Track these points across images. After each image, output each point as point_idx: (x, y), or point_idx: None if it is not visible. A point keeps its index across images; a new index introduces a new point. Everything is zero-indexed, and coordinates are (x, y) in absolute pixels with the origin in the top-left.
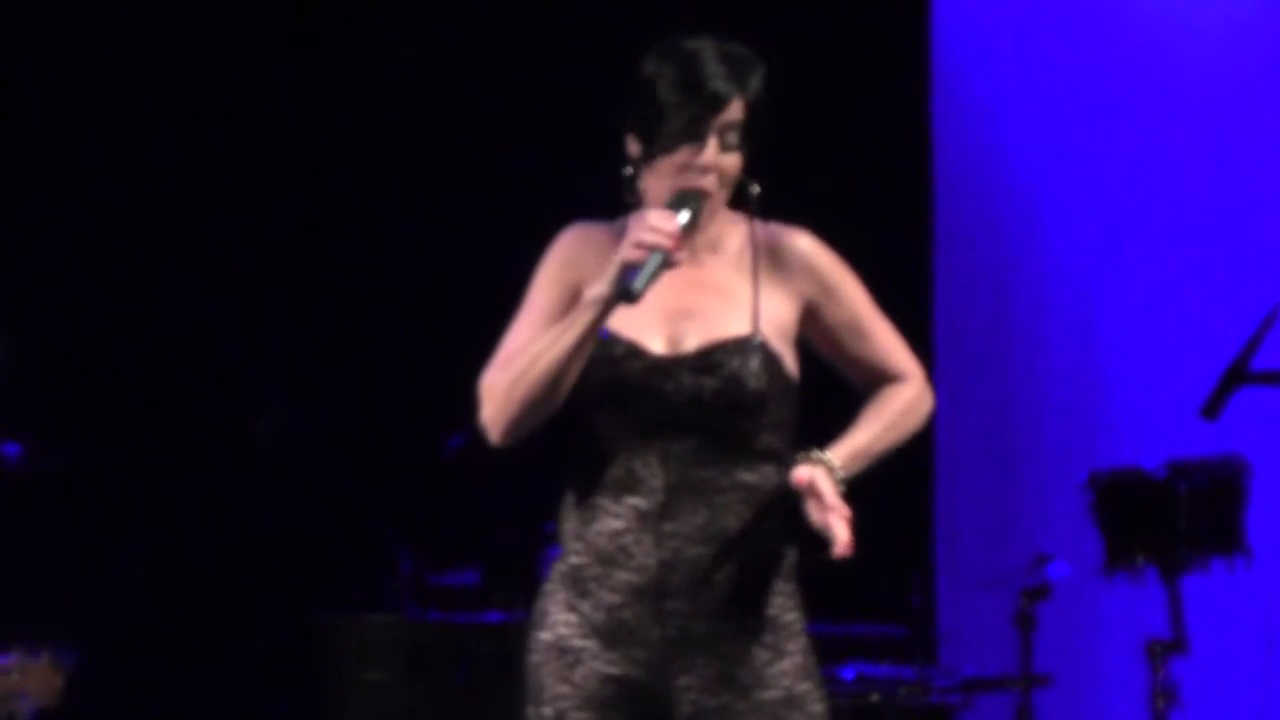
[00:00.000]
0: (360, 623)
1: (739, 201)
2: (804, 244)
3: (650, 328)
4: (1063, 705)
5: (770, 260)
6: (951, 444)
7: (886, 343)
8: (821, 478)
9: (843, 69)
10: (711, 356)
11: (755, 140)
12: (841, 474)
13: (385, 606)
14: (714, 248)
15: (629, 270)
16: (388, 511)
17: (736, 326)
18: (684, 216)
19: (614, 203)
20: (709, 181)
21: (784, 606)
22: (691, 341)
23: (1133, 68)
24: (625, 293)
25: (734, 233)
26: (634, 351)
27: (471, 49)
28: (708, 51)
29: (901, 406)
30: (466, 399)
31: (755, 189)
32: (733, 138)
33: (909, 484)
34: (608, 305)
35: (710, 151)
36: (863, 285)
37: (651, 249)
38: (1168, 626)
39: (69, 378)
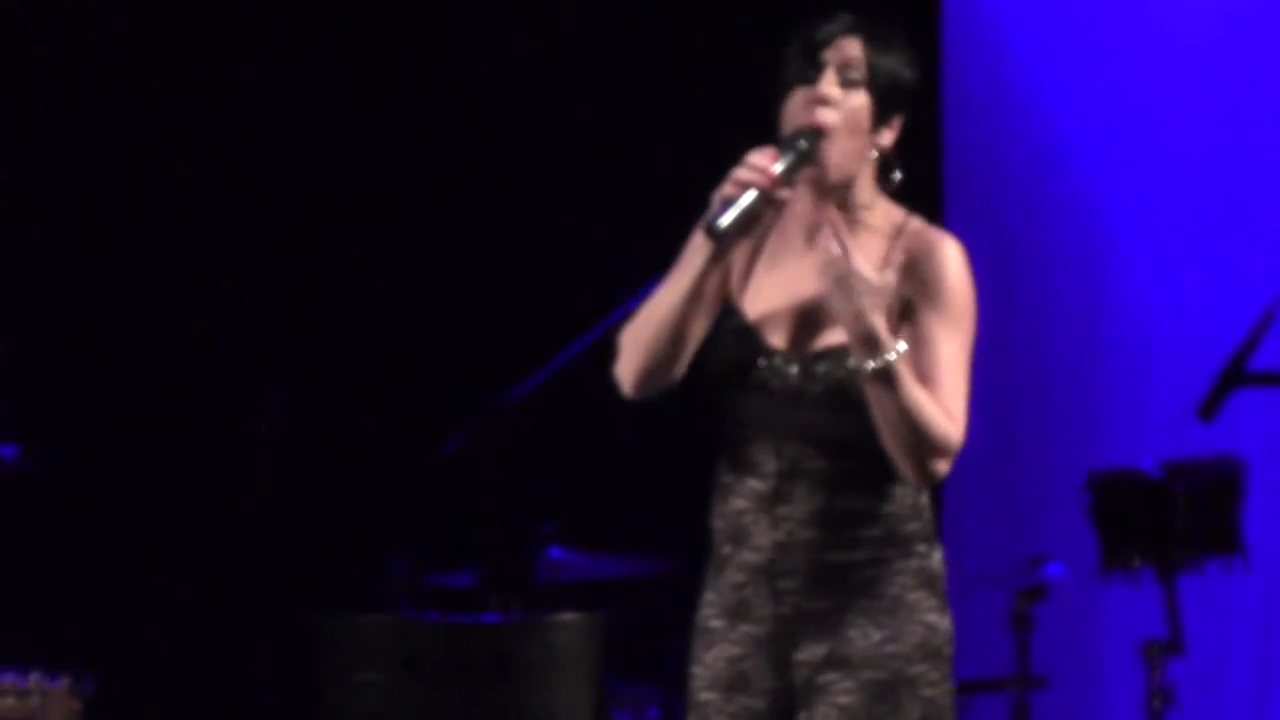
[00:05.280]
0: (357, 623)
1: (884, 183)
2: (941, 250)
3: (777, 317)
4: (1059, 706)
5: (904, 261)
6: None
7: (946, 381)
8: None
9: None
10: (820, 360)
11: (893, 107)
12: (888, 355)
13: (382, 607)
14: (865, 233)
15: (721, 207)
16: (384, 512)
17: None
18: (786, 159)
19: (605, 211)
20: (828, 115)
21: (906, 586)
22: (807, 340)
23: (1136, 62)
24: (708, 229)
25: (884, 227)
26: (753, 339)
27: (472, 53)
28: (846, 13)
29: (936, 412)
30: (463, 399)
31: (897, 175)
32: (854, 74)
33: None
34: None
35: (826, 81)
36: (970, 328)
37: (745, 186)
38: (1164, 627)
39: (65, 379)
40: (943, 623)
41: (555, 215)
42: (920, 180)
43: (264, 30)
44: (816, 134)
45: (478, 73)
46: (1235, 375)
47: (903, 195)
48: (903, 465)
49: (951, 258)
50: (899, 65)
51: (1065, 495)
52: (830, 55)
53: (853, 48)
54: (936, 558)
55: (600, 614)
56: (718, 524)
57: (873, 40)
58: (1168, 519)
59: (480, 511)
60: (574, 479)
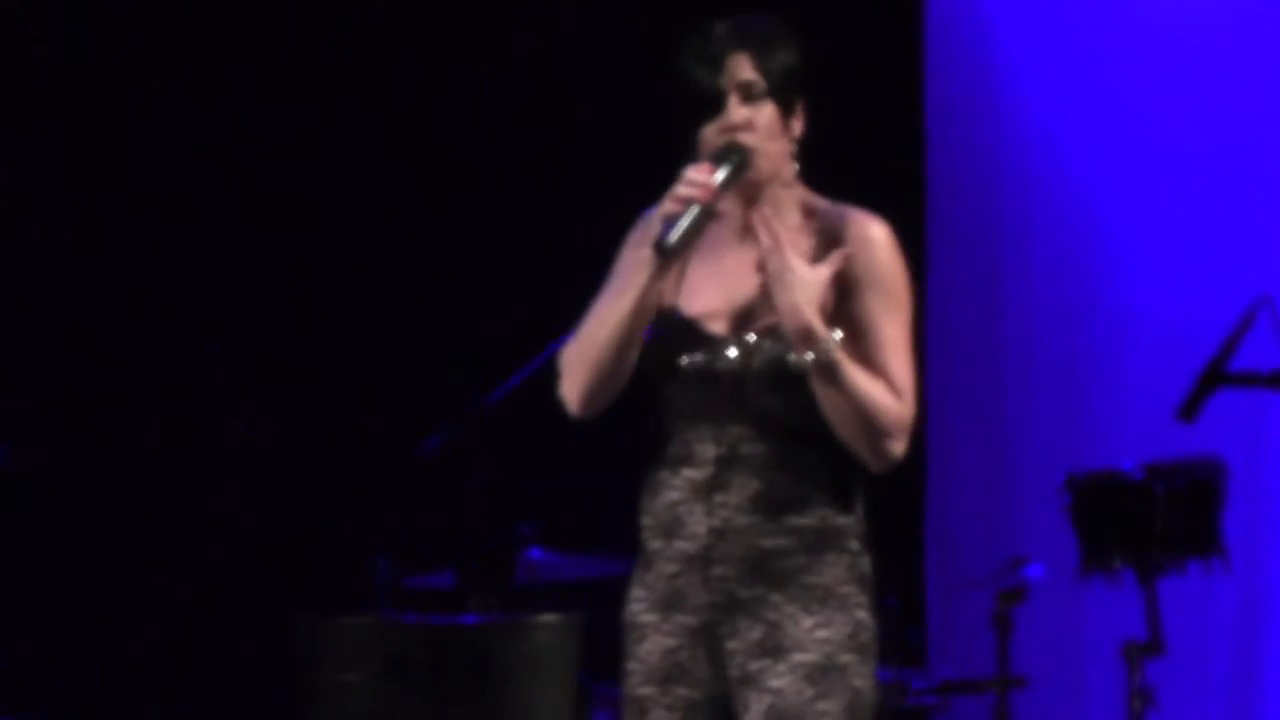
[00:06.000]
0: (337, 624)
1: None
2: (869, 230)
3: (716, 309)
4: (1040, 707)
5: (830, 241)
6: (941, 446)
7: (891, 361)
8: (791, 259)
9: (834, 64)
10: (761, 340)
11: (794, 97)
12: (826, 346)
13: (362, 608)
14: (787, 222)
15: (666, 224)
16: (364, 513)
17: None
18: (723, 171)
19: (602, 211)
20: (747, 138)
21: (839, 579)
22: (747, 324)
23: (1119, 65)
24: (659, 247)
25: (809, 211)
26: (692, 330)
27: (472, 53)
28: (721, 24)
29: (883, 394)
30: (442, 400)
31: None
32: (754, 90)
33: (898, 484)
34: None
35: (732, 107)
36: (908, 305)
37: (687, 202)
38: (1144, 628)
39: (45, 380)
40: (870, 620)
41: (551, 215)
42: (905, 184)
43: (264, 30)
44: (743, 150)
45: (478, 73)
46: (1216, 376)
47: (887, 199)
48: (859, 450)
49: (881, 239)
50: (787, 59)
51: (1047, 496)
52: (725, 80)
53: (744, 67)
54: (868, 561)
55: (579, 615)
56: (645, 521)
57: (757, 48)
58: (1148, 520)
59: (459, 513)
60: (553, 480)
